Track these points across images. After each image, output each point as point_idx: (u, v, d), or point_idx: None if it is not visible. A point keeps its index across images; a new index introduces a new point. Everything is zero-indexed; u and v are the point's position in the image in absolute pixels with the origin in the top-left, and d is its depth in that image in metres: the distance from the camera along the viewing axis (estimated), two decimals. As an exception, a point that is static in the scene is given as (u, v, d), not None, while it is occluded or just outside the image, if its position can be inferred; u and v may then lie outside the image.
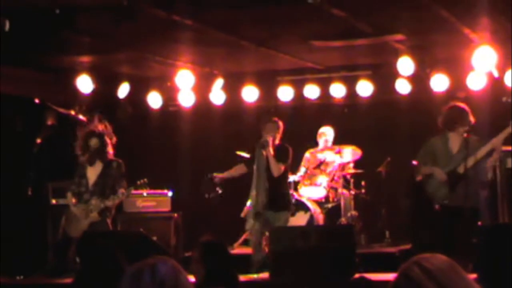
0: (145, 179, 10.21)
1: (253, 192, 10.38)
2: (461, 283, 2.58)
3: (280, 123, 10.51)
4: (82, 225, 10.01)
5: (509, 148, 10.29)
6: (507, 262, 7.60)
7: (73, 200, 10.19)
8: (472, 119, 9.48)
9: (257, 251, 10.34)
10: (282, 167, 10.37)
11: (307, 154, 12.42)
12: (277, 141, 10.44)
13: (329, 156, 12.27)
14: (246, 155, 11.31)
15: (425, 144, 9.82)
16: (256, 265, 10.11)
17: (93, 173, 10.22)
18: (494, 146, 9.31)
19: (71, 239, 10.08)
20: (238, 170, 10.98)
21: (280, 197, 10.48)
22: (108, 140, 10.25)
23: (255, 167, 10.38)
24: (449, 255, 2.94)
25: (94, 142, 10.17)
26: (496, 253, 7.96)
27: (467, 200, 9.21)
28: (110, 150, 10.24)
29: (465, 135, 9.37)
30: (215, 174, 10.98)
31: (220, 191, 11.10)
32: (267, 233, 10.22)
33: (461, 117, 9.49)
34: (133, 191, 10.44)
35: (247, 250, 11.39)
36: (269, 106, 13.10)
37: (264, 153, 10.28)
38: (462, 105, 9.66)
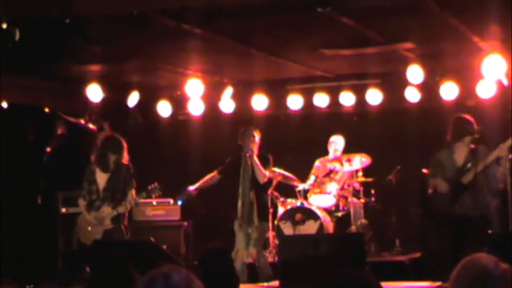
0: (156, 184, 10.22)
1: (239, 204, 10.53)
2: None
3: (258, 133, 10.63)
4: (96, 233, 9.99)
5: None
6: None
7: (84, 203, 10.18)
8: (476, 127, 9.45)
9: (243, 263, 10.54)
10: (267, 174, 10.51)
11: (317, 163, 12.43)
12: (256, 151, 10.56)
13: (338, 166, 12.28)
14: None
15: (432, 158, 9.82)
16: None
17: (103, 177, 10.18)
18: (501, 152, 9.28)
19: (85, 247, 10.06)
20: (211, 179, 11.05)
21: (262, 207, 10.64)
22: (124, 145, 10.23)
23: (240, 179, 10.52)
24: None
25: (111, 147, 10.15)
26: (506, 261, 7.93)
27: (476, 208, 9.20)
28: (126, 155, 10.23)
29: (471, 146, 9.38)
30: (190, 188, 11.03)
31: (203, 211, 11.24)
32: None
33: (466, 128, 9.47)
34: (143, 200, 10.45)
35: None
36: (278, 115, 13.11)
37: (249, 162, 10.41)
38: (465, 115, 9.65)
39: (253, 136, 10.58)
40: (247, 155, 10.45)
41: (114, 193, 10.06)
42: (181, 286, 2.82)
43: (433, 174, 9.73)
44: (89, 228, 10.04)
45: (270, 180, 10.90)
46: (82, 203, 10.20)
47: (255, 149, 10.55)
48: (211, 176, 11.05)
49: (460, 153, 9.56)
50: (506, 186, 9.97)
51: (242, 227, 10.55)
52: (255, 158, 10.45)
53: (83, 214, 10.16)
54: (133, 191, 10.10)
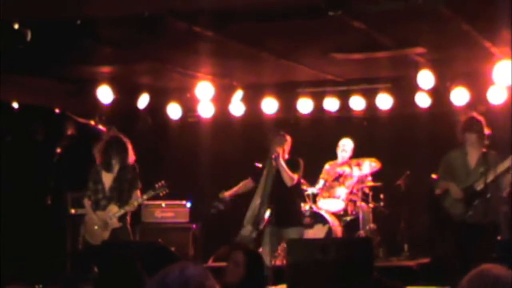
0: (163, 182, 10.22)
1: (257, 201, 10.43)
2: None
3: (288, 137, 10.57)
4: (103, 233, 10.00)
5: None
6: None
7: (89, 202, 10.17)
8: (487, 130, 9.45)
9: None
10: (295, 177, 10.42)
11: (326, 166, 12.41)
12: (286, 155, 10.49)
13: (347, 170, 12.26)
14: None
15: (444, 158, 9.81)
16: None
17: (108, 177, 10.19)
18: None
19: (92, 247, 10.07)
20: (245, 185, 11.00)
21: (292, 212, 10.55)
22: (129, 146, 10.24)
23: (263, 178, 10.45)
24: (468, 269, 2.94)
25: (115, 148, 10.16)
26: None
27: (487, 215, 9.18)
28: (131, 155, 10.22)
29: (483, 149, 9.35)
30: (225, 193, 11.01)
31: (222, 207, 11.12)
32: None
33: (476, 127, 9.48)
34: (152, 202, 10.46)
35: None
36: (288, 118, 13.10)
37: (274, 164, 10.34)
38: (477, 115, 9.66)
39: (281, 141, 10.51)
40: (273, 157, 10.38)
41: (120, 193, 10.08)
42: (196, 278, 2.87)
43: (442, 175, 9.70)
44: (96, 227, 10.05)
45: (298, 185, 10.78)
46: (87, 202, 10.22)
47: (282, 152, 10.43)
48: (244, 183, 11.02)
49: (473, 156, 9.54)
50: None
51: (254, 225, 10.47)
52: (282, 162, 10.36)
53: (89, 214, 10.18)
54: (138, 192, 10.11)
